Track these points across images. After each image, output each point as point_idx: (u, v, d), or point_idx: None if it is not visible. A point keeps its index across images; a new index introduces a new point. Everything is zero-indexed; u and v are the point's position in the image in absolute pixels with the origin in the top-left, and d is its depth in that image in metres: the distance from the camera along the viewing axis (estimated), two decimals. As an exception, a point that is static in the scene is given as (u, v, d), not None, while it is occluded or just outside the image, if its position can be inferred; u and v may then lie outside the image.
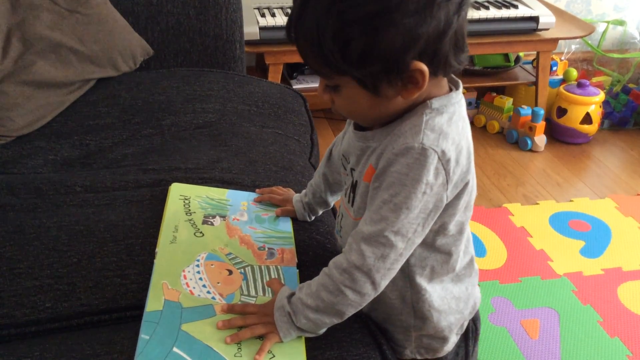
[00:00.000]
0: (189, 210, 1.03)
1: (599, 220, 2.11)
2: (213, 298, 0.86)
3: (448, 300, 0.88)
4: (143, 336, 0.78)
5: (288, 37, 0.74)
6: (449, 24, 0.68)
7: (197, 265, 0.91)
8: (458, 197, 0.78)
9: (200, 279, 0.89)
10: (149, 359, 0.76)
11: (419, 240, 0.77)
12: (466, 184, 0.78)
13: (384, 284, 0.78)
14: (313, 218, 1.10)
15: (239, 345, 0.79)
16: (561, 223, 2.09)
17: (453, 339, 0.92)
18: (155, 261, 0.91)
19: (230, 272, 0.91)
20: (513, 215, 2.12)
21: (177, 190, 1.08)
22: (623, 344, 1.60)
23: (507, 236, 2.01)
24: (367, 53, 0.68)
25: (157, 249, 0.94)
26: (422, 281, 0.85)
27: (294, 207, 1.08)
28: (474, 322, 0.96)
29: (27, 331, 0.89)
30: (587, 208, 2.18)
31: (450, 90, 0.78)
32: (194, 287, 0.87)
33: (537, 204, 2.20)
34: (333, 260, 0.80)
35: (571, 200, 2.23)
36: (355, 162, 0.85)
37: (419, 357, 0.93)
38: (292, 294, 0.83)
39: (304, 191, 1.10)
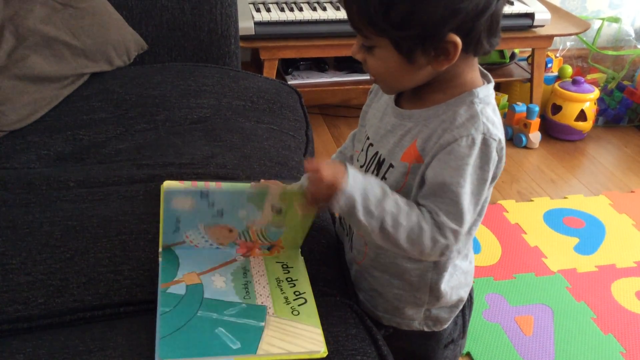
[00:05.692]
0: None
1: (593, 217, 2.11)
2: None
3: (458, 276, 0.92)
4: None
5: None
6: (488, 5, 0.73)
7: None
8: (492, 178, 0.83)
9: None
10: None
11: None
12: None
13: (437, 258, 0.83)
14: None
15: None
16: (555, 220, 2.09)
17: (459, 310, 0.97)
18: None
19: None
20: (507, 212, 2.12)
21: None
22: (617, 340, 1.61)
23: (501, 233, 2.01)
24: (408, 17, 0.72)
25: (160, 249, 0.93)
26: (446, 261, 0.88)
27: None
28: (469, 292, 1.00)
29: (19, 327, 0.88)
30: (581, 205, 2.18)
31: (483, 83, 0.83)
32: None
33: (532, 200, 2.20)
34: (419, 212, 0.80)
35: (565, 197, 2.23)
36: (379, 138, 0.86)
37: (425, 329, 0.96)
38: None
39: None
